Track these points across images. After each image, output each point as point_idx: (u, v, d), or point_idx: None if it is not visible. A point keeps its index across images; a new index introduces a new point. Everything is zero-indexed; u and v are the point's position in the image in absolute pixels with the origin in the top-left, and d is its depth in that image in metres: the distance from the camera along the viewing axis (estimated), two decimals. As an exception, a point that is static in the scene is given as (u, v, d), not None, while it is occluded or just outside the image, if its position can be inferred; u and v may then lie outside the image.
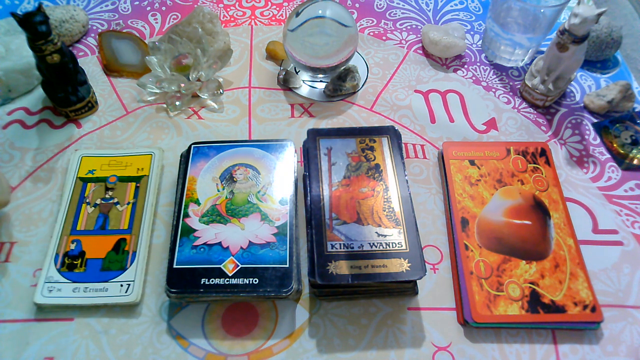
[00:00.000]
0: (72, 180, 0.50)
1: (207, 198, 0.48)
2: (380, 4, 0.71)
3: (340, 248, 0.43)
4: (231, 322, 0.44)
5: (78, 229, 0.47)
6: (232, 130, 0.56)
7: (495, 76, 0.63)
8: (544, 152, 0.53)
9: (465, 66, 0.64)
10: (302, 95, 0.60)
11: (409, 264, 0.42)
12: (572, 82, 0.63)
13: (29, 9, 0.63)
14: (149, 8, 0.68)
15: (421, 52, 0.65)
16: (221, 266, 0.43)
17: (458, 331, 0.44)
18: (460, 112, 0.59)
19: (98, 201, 0.49)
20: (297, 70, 0.62)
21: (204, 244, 0.45)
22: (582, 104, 0.61)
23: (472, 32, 0.68)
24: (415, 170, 0.54)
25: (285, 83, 0.60)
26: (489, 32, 0.63)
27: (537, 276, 0.45)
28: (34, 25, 0.49)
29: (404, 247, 0.43)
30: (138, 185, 0.50)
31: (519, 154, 0.53)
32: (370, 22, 0.68)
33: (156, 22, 0.67)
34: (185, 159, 0.51)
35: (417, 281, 0.45)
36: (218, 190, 0.48)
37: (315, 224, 0.45)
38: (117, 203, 0.49)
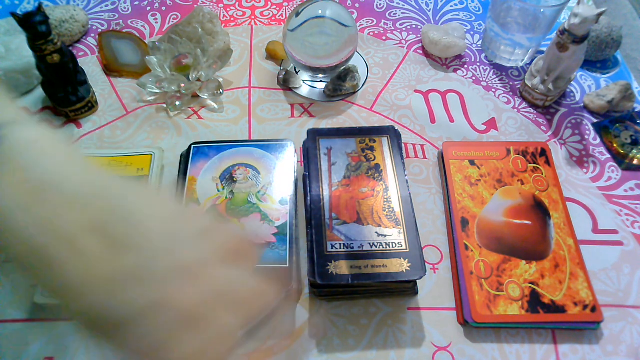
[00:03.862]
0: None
1: (207, 198, 0.48)
2: (380, 4, 0.71)
3: (340, 248, 0.43)
4: (231, 322, 0.44)
5: (78, 229, 0.47)
6: (232, 130, 0.56)
7: (495, 76, 0.63)
8: (544, 152, 0.53)
9: (465, 66, 0.64)
10: (302, 95, 0.60)
11: (409, 264, 0.42)
12: (572, 82, 0.63)
13: (29, 9, 0.63)
14: (149, 8, 0.68)
15: (421, 52, 0.65)
16: (221, 266, 0.43)
17: (458, 331, 0.44)
18: (460, 112, 0.59)
19: (98, 201, 0.49)
20: (297, 70, 0.62)
21: (204, 244, 0.44)
22: (582, 104, 0.61)
23: (472, 32, 0.68)
24: (415, 170, 0.54)
25: (285, 83, 0.60)
26: (489, 32, 0.63)
27: (537, 276, 0.45)
28: (34, 25, 0.49)
29: (404, 247, 0.43)
30: (138, 185, 0.50)
31: (519, 154, 0.53)
32: (370, 22, 0.68)
33: (156, 22, 0.67)
34: (185, 159, 0.51)
35: (417, 281, 0.45)
36: (218, 190, 0.48)
37: (315, 224, 0.45)
38: (117, 203, 0.49)
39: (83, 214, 0.25)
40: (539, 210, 0.49)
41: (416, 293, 0.45)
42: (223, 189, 0.48)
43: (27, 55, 0.57)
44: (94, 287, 0.24)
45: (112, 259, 0.24)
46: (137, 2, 0.69)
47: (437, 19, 0.69)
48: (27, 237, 0.24)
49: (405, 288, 0.45)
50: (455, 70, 0.64)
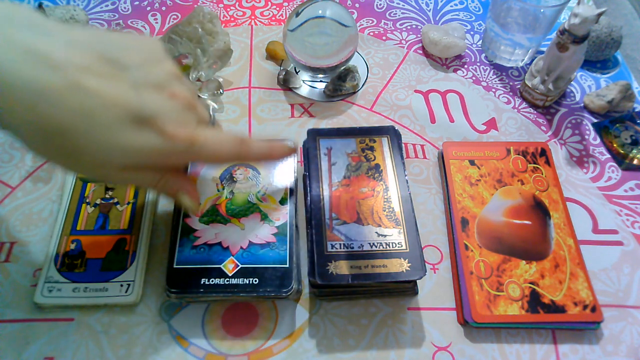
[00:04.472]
0: (72, 180, 0.50)
1: (207, 198, 0.48)
2: (380, 4, 0.71)
3: (340, 248, 0.43)
4: (231, 322, 0.44)
5: (78, 229, 0.47)
6: (232, 130, 0.56)
7: (495, 76, 0.63)
8: (544, 152, 0.53)
9: (465, 66, 0.64)
10: (302, 95, 0.60)
11: (409, 264, 0.42)
12: (572, 82, 0.63)
13: (29, 9, 0.63)
14: (149, 8, 0.68)
15: (421, 52, 0.65)
16: (221, 266, 0.43)
17: (458, 331, 0.44)
18: (460, 112, 0.59)
19: (98, 201, 0.49)
20: (297, 70, 0.62)
21: (204, 244, 0.45)
22: (582, 104, 0.61)
23: (472, 32, 0.68)
24: (415, 170, 0.54)
25: (285, 83, 0.60)
26: (489, 32, 0.63)
27: (537, 276, 0.45)
28: (34, 25, 0.49)
29: (404, 247, 0.43)
30: (138, 185, 0.50)
31: (519, 154, 0.53)
32: (370, 22, 0.68)
33: (156, 22, 0.67)
34: (185, 159, 0.51)
35: (417, 281, 0.45)
36: (218, 190, 0.48)
37: (315, 224, 0.45)
38: (117, 203, 0.49)
39: (85, 50, 0.30)
40: (539, 210, 0.49)
41: (416, 293, 0.45)
42: (223, 189, 0.48)
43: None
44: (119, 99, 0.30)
45: (124, 76, 0.31)
46: (137, 2, 0.69)
47: (437, 19, 0.69)
48: (32, 80, 0.28)
49: (405, 288, 0.45)
50: (455, 70, 0.64)
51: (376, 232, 0.44)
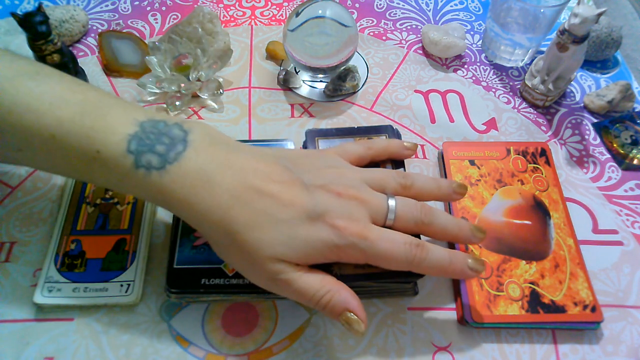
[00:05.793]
0: (72, 180, 0.50)
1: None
2: (380, 4, 0.71)
3: (340, 248, 0.43)
4: (231, 322, 0.44)
5: (78, 229, 0.47)
6: (232, 130, 0.56)
7: (495, 76, 0.63)
8: (544, 152, 0.53)
9: (465, 66, 0.64)
10: (302, 95, 0.60)
11: (409, 264, 0.42)
12: (572, 82, 0.63)
13: (29, 9, 0.63)
14: (149, 8, 0.68)
15: (421, 52, 0.65)
16: (221, 266, 0.43)
17: (458, 331, 0.44)
18: (460, 112, 0.59)
19: (98, 201, 0.49)
20: (297, 70, 0.62)
21: (204, 243, 0.45)
22: (582, 104, 0.61)
23: (472, 32, 0.68)
24: (415, 170, 0.54)
25: (285, 83, 0.60)
26: (489, 32, 0.63)
27: (537, 276, 0.45)
28: (34, 25, 0.49)
29: (404, 247, 0.43)
30: (138, 185, 0.50)
31: (519, 154, 0.53)
32: (370, 22, 0.68)
33: (156, 22, 0.67)
34: (185, 159, 0.51)
35: (417, 281, 0.45)
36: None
37: (315, 224, 0.45)
38: (117, 203, 0.49)
39: (268, 161, 0.37)
40: (539, 210, 0.49)
41: (416, 293, 0.45)
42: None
43: (27, 56, 0.57)
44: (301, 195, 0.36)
45: (298, 182, 0.37)
46: (137, 2, 0.69)
47: (437, 19, 0.69)
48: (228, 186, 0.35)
49: (405, 288, 0.45)
50: (455, 70, 0.64)
51: (376, 232, 0.44)
